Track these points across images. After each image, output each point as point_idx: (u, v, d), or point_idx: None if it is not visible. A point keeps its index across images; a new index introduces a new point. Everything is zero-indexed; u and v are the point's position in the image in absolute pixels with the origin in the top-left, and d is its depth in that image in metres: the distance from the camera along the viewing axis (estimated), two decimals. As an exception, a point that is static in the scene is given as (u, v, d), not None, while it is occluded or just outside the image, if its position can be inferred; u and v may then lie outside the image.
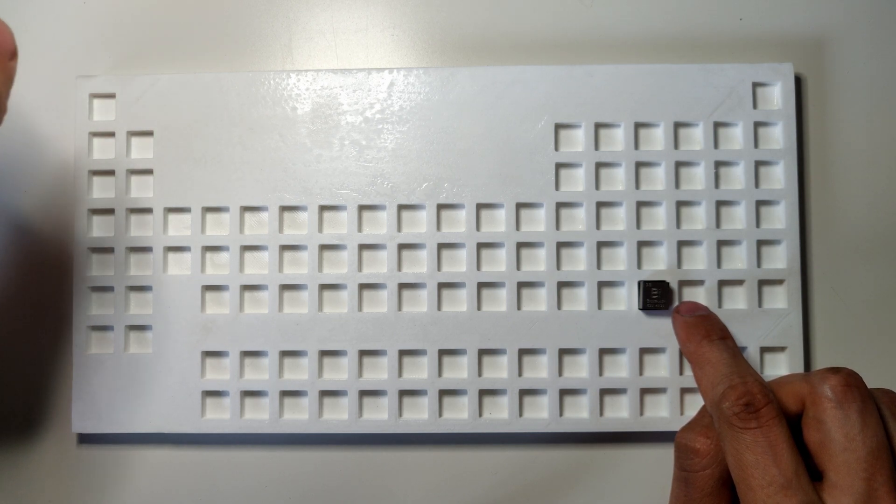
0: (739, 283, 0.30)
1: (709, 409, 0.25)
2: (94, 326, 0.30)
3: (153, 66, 0.32)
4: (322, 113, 0.30)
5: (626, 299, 0.30)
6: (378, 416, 0.30)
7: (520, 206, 0.30)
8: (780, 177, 0.30)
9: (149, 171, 0.31)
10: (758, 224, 0.30)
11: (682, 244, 0.30)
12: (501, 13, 0.32)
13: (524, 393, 0.30)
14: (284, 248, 0.30)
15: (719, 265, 0.30)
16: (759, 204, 0.30)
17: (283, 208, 0.30)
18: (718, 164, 0.30)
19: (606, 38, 0.32)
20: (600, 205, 0.30)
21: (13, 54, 0.22)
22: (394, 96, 0.30)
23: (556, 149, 0.30)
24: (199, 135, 0.30)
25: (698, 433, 0.25)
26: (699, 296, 0.30)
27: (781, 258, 0.30)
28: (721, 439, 0.24)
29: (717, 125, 0.30)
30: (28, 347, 0.31)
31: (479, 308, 0.30)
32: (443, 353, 0.30)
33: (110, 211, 0.31)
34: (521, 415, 0.30)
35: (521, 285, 0.30)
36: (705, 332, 0.27)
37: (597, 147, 0.30)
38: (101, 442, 0.31)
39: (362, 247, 0.30)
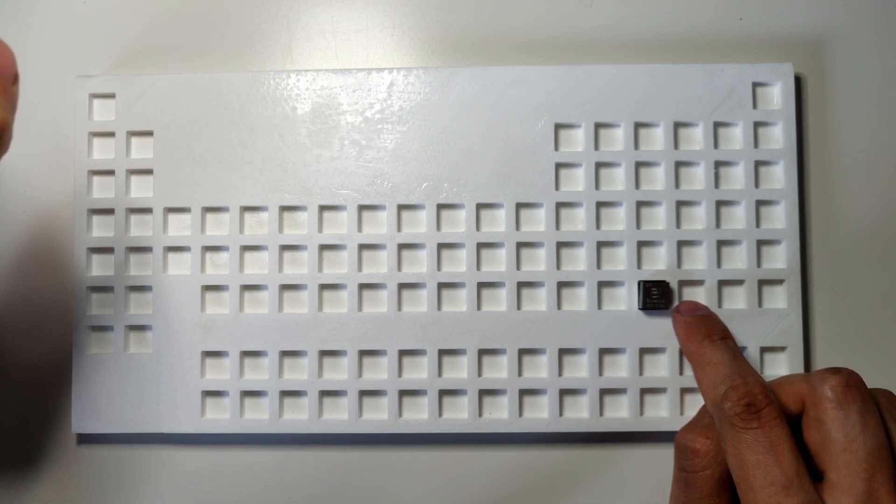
0: (739, 283, 0.30)
1: (710, 409, 0.25)
2: (94, 326, 0.30)
3: (153, 66, 0.32)
4: (322, 113, 0.30)
5: (626, 299, 0.30)
6: (378, 416, 0.30)
7: (520, 206, 0.30)
8: (780, 177, 0.30)
9: (149, 171, 0.31)
10: (758, 224, 0.30)
11: (682, 244, 0.30)
12: (501, 13, 0.32)
13: (524, 393, 0.30)
14: (284, 248, 0.30)
15: (719, 265, 0.30)
16: (759, 204, 0.30)
17: (283, 208, 0.30)
18: (718, 164, 0.30)
19: (606, 38, 0.32)
20: (600, 205, 0.30)
21: (16, 78, 0.22)
22: (394, 96, 0.30)
23: (556, 149, 0.30)
24: (199, 135, 0.30)
25: (698, 433, 0.25)
26: (699, 296, 0.30)
27: (781, 258, 0.30)
28: (722, 439, 0.24)
29: (717, 125, 0.30)
30: (28, 347, 0.31)
31: (479, 308, 0.30)
32: (443, 353, 0.30)
33: (110, 211, 0.31)
34: (521, 415, 0.30)
35: (521, 285, 0.30)
36: (706, 332, 0.27)
37: (597, 147, 0.30)
38: (101, 442, 0.31)
39: (362, 247, 0.30)
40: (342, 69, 0.31)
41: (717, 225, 0.30)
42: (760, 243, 0.30)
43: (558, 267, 0.30)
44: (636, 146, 0.30)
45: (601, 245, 0.30)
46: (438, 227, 0.30)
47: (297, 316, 0.30)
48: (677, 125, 0.30)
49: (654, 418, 0.30)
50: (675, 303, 0.30)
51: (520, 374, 0.30)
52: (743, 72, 0.30)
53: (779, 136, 0.30)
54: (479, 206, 0.30)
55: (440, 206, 0.30)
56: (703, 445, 0.24)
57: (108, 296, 0.30)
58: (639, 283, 0.30)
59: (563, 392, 0.30)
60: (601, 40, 0.32)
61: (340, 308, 0.30)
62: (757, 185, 0.30)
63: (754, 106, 0.30)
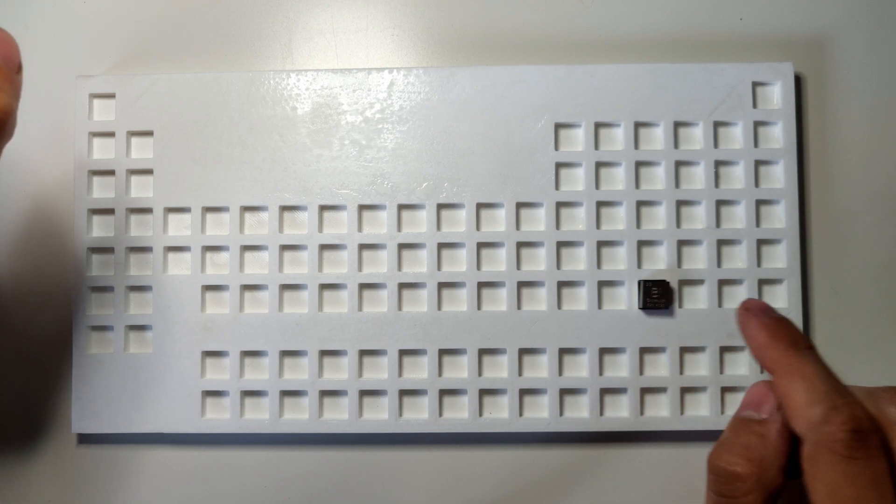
0: (739, 282, 0.30)
1: (800, 429, 0.22)
2: (94, 326, 0.30)
3: (153, 66, 0.32)
4: (322, 113, 0.30)
5: (626, 299, 0.30)
6: (378, 416, 0.30)
7: (520, 205, 0.30)
8: (780, 176, 0.30)
9: (149, 171, 0.31)
10: (758, 224, 0.30)
11: (682, 244, 0.30)
12: (501, 13, 0.32)
13: (524, 393, 0.30)
14: (284, 247, 0.30)
15: (719, 265, 0.30)
16: (759, 203, 0.30)
17: (283, 208, 0.30)
18: (718, 164, 0.30)
19: (606, 38, 0.32)
20: (600, 204, 0.30)
21: (20, 68, 0.22)
22: (394, 96, 0.30)
23: (556, 148, 0.30)
24: (199, 135, 0.30)
25: (738, 455, 0.22)
26: (699, 296, 0.30)
27: (781, 258, 0.30)
28: (809, 465, 0.21)
29: (717, 125, 0.30)
30: (28, 347, 0.31)
31: (479, 308, 0.30)
32: (443, 352, 0.30)
33: (110, 211, 0.31)
34: (521, 414, 0.30)
35: (521, 285, 0.30)
36: (791, 340, 0.24)
37: (597, 147, 0.30)
38: (101, 442, 0.31)
39: (362, 246, 0.30)
40: (342, 69, 0.31)
41: (717, 224, 0.30)
42: (760, 243, 0.30)
43: (558, 266, 0.30)
44: (636, 146, 0.30)
45: (601, 245, 0.30)
46: (438, 226, 0.30)
47: (298, 316, 0.30)
48: (677, 125, 0.30)
49: (655, 418, 0.30)
50: (676, 302, 0.30)
51: (520, 373, 0.30)
52: (743, 71, 0.30)
53: (779, 136, 0.30)
54: (479, 206, 0.30)
55: (440, 206, 0.30)
56: (746, 469, 0.22)
57: (108, 296, 0.30)
58: (639, 282, 0.30)
59: (564, 392, 0.30)
60: (601, 40, 0.32)
61: (340, 308, 0.30)
62: (757, 184, 0.30)
63: (754, 105, 0.30)
